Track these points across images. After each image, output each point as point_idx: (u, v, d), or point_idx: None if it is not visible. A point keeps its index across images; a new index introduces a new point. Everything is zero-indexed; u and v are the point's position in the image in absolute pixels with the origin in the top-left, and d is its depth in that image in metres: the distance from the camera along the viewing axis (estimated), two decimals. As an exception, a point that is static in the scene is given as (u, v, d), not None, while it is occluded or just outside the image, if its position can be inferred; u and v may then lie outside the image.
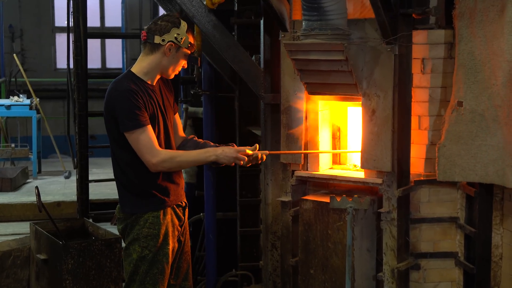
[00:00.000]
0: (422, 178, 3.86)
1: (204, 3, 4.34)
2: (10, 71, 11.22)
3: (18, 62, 9.40)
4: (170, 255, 3.51)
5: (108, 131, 3.45)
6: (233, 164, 3.51)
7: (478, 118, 3.58)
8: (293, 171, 4.13)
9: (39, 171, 8.78)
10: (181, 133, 3.72)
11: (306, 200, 3.93)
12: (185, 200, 3.65)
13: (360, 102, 3.87)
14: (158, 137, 3.43)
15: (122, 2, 13.57)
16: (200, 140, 3.71)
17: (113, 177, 3.66)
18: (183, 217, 3.62)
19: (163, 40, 3.37)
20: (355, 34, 3.78)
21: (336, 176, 3.99)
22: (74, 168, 6.50)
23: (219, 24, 4.32)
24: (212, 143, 3.68)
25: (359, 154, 3.87)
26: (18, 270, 5.28)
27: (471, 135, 3.60)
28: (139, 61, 3.46)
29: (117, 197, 3.61)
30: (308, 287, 3.95)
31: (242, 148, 3.53)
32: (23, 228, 6.62)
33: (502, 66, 3.48)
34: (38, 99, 8.73)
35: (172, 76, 3.51)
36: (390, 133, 3.75)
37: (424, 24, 3.83)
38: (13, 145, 8.49)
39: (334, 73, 3.81)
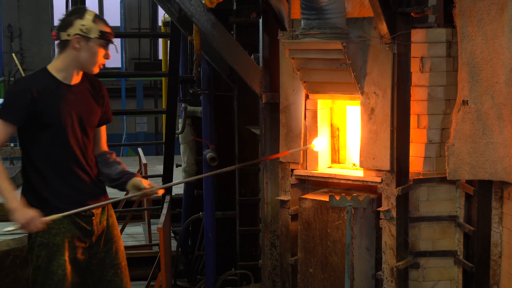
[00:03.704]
0: (421, 177, 3.86)
1: (203, 2, 4.34)
2: (9, 70, 11.21)
3: (17, 62, 9.40)
4: (68, 267, 3.24)
5: None
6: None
7: (484, 117, 3.58)
8: (292, 170, 4.13)
9: (38, 171, 8.78)
10: (103, 146, 3.49)
11: (305, 199, 3.93)
12: (101, 209, 3.36)
13: (359, 101, 3.87)
14: (54, 138, 3.24)
15: (121, 2, 13.57)
16: (119, 166, 3.42)
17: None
18: (92, 228, 3.32)
19: (68, 35, 3.22)
20: (354, 33, 3.78)
21: (335, 175, 3.99)
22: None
23: (217, 23, 4.31)
24: (126, 173, 3.41)
25: (358, 153, 3.87)
26: (18, 269, 5.27)
27: (478, 133, 3.60)
28: (54, 59, 3.34)
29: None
30: (307, 286, 3.94)
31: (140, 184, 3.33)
32: (22, 227, 6.62)
33: (504, 64, 3.49)
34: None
35: (96, 70, 3.31)
36: (389, 131, 3.75)
37: (422, 23, 3.83)
38: (12, 144, 8.48)
39: (333, 72, 3.81)
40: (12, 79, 10.73)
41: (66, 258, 3.25)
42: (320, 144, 3.90)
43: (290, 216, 4.14)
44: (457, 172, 3.68)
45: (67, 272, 3.24)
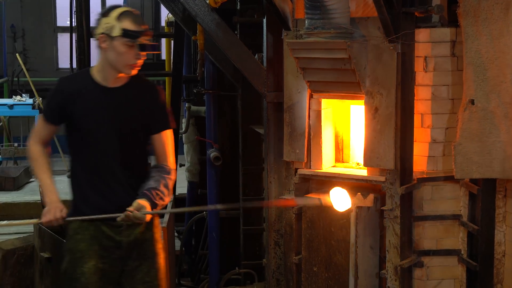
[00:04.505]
0: (425, 176, 3.87)
1: (207, 1, 4.36)
2: (12, 70, 11.24)
3: (20, 62, 9.42)
4: (93, 276, 3.13)
5: None
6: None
7: (490, 116, 3.59)
8: (296, 169, 4.14)
9: (42, 171, 8.80)
10: (158, 159, 3.27)
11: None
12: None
13: (363, 100, 3.88)
14: (85, 141, 3.15)
15: (124, 2, 13.59)
16: (151, 182, 3.16)
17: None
18: (122, 239, 3.17)
19: (96, 35, 3.13)
20: (358, 33, 3.80)
21: (339, 174, 4.00)
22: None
23: (222, 23, 4.33)
24: (150, 190, 3.15)
25: (362, 152, 3.88)
26: (22, 268, 5.29)
27: (485, 132, 3.61)
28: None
29: None
30: (311, 284, 3.96)
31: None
32: (27, 227, 6.63)
33: (509, 64, 3.50)
34: (40, 99, 8.76)
35: (127, 72, 3.12)
36: (393, 131, 3.76)
37: (426, 23, 3.84)
38: (16, 144, 8.51)
39: (337, 71, 3.82)
40: (16, 79, 10.76)
41: (91, 266, 3.14)
42: (337, 198, 3.11)
43: (294, 215, 4.14)
44: (464, 171, 3.68)
45: (92, 281, 3.13)
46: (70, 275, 3.18)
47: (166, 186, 3.19)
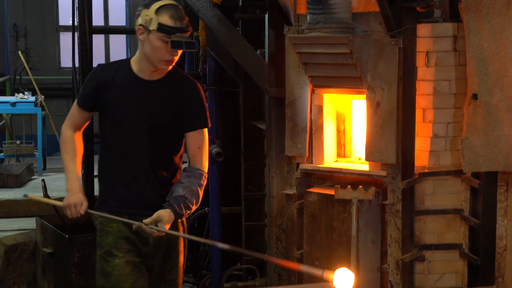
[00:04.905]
0: (426, 171, 3.88)
1: (209, -2, 4.37)
2: (14, 69, 11.26)
3: (23, 59, 9.42)
4: (126, 268, 3.06)
5: None
6: None
7: (493, 110, 3.60)
8: (298, 164, 4.15)
9: (44, 168, 8.80)
10: (191, 160, 3.12)
11: (311, 192, 3.96)
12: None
13: (365, 95, 3.89)
14: (115, 131, 3.07)
15: (126, 1, 13.60)
16: (178, 189, 3.02)
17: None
18: (148, 236, 3.06)
19: (136, 26, 3.03)
20: (360, 28, 3.81)
21: (340, 169, 4.01)
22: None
23: (224, 18, 4.35)
24: (175, 198, 3.01)
25: (364, 147, 3.89)
26: (25, 263, 5.32)
27: (490, 126, 3.62)
28: None
29: None
30: (313, 279, 3.96)
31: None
32: (29, 223, 6.64)
33: (511, 57, 3.51)
34: (43, 96, 8.77)
35: (162, 67, 3.02)
36: (395, 125, 3.77)
37: (428, 18, 3.85)
38: (18, 141, 8.52)
39: (338, 66, 3.83)
40: (18, 77, 10.78)
41: (121, 258, 3.07)
42: (340, 278, 2.76)
43: (296, 210, 4.16)
44: (472, 164, 3.69)
45: (125, 272, 3.06)
46: (103, 270, 3.10)
47: (195, 194, 3.04)
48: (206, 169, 3.14)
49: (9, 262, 5.24)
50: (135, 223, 2.98)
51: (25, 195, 3.45)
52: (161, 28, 2.94)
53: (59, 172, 8.87)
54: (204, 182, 3.11)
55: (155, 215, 2.95)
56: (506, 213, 3.70)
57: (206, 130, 3.16)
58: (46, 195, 4.06)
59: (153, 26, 2.96)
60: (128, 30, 10.36)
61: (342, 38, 3.69)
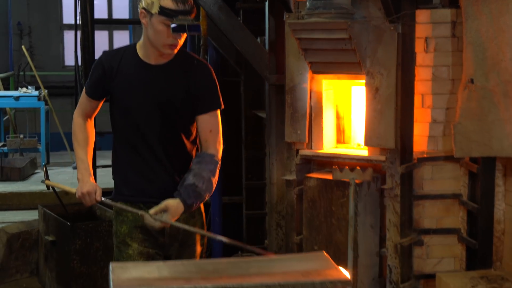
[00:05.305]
0: (425, 156, 3.90)
1: (210, -15, 4.40)
2: (18, 65, 11.33)
3: (26, 53, 9.47)
4: (139, 258, 3.00)
5: None
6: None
7: (489, 94, 3.62)
8: (297, 150, 4.17)
9: (48, 162, 8.84)
10: (204, 145, 3.03)
11: (310, 177, 3.98)
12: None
13: (364, 82, 3.92)
14: (125, 118, 3.01)
15: (130, -3, 13.64)
16: (189, 177, 2.92)
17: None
18: (165, 227, 2.96)
19: (139, 9, 2.96)
20: (359, 13, 3.83)
21: (340, 154, 4.04)
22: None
23: (224, 6, 4.37)
24: (186, 189, 2.91)
25: (363, 131, 3.91)
26: (27, 252, 5.35)
27: (484, 111, 3.64)
28: None
29: None
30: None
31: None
32: (32, 216, 6.67)
33: (509, 42, 3.53)
34: (46, 91, 8.81)
35: (167, 51, 2.95)
36: (393, 110, 3.79)
37: (427, 4, 3.88)
38: (21, 136, 8.56)
39: (338, 51, 3.86)
40: (22, 73, 10.84)
41: (135, 249, 3.00)
42: None
43: (295, 196, 4.18)
44: (463, 150, 3.71)
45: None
46: (118, 260, 3.03)
47: (206, 181, 2.94)
48: (219, 153, 3.04)
49: (11, 250, 5.27)
50: (139, 212, 2.91)
51: (42, 181, 3.41)
52: (163, 11, 2.87)
53: (63, 166, 8.93)
54: (217, 167, 3.01)
55: (162, 205, 2.88)
56: (504, 197, 3.73)
57: (218, 112, 3.06)
58: (48, 179, 4.08)
59: (155, 10, 2.89)
60: (130, 21, 10.34)
61: (341, 24, 3.72)
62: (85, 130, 3.14)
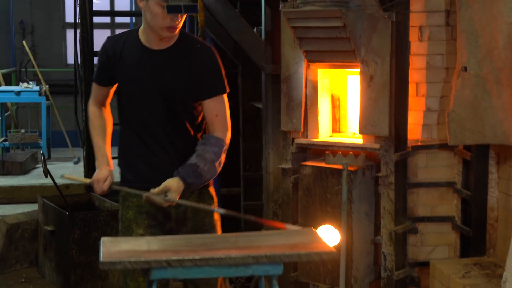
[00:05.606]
0: (419, 144, 3.92)
1: (206, -24, 4.44)
2: (20, 61, 11.39)
3: (27, 48, 9.52)
4: None
5: None
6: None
7: (482, 82, 3.64)
8: (293, 139, 4.20)
9: (49, 157, 8.90)
10: (210, 128, 3.01)
11: (306, 165, 4.00)
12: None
13: (359, 71, 3.94)
14: (129, 104, 3.03)
15: (131, -5, 13.68)
16: (192, 158, 2.91)
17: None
18: (170, 210, 2.98)
19: None
20: (353, 2, 3.85)
21: (335, 142, 4.06)
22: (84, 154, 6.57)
23: (221, -4, 4.41)
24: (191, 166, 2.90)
25: (358, 120, 3.94)
26: (27, 242, 5.38)
27: (477, 98, 3.66)
28: None
29: None
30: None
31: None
32: (32, 209, 6.73)
33: (501, 29, 3.54)
34: (47, 86, 8.87)
35: (166, 34, 2.91)
36: (388, 98, 3.81)
37: (421, -8, 3.91)
38: (22, 130, 8.62)
39: (332, 40, 3.88)
40: (24, 69, 10.89)
41: (140, 235, 2.96)
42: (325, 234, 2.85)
43: (291, 184, 4.19)
44: (457, 137, 3.74)
45: None
46: None
47: (209, 162, 2.91)
48: (226, 137, 3.00)
49: (11, 241, 5.30)
50: (145, 194, 2.88)
51: (61, 176, 3.42)
52: None
53: (64, 161, 8.98)
54: (223, 150, 2.97)
55: (162, 185, 2.86)
56: (497, 184, 3.75)
57: (225, 96, 3.02)
58: (45, 168, 4.13)
59: None
60: (130, 12, 10.34)
61: (336, 12, 3.74)
62: (100, 117, 3.15)
